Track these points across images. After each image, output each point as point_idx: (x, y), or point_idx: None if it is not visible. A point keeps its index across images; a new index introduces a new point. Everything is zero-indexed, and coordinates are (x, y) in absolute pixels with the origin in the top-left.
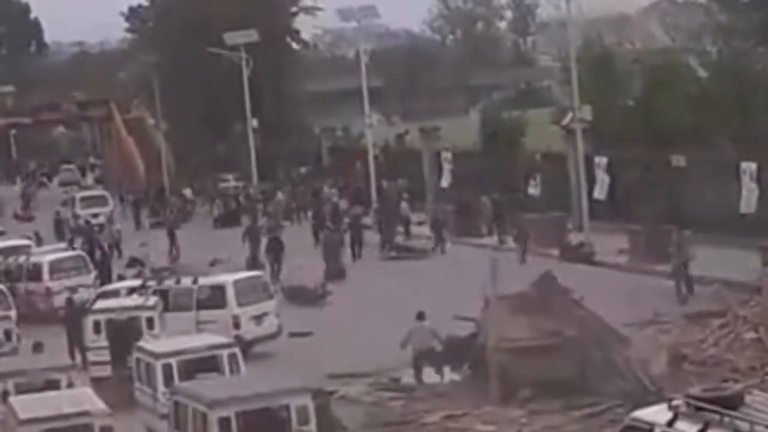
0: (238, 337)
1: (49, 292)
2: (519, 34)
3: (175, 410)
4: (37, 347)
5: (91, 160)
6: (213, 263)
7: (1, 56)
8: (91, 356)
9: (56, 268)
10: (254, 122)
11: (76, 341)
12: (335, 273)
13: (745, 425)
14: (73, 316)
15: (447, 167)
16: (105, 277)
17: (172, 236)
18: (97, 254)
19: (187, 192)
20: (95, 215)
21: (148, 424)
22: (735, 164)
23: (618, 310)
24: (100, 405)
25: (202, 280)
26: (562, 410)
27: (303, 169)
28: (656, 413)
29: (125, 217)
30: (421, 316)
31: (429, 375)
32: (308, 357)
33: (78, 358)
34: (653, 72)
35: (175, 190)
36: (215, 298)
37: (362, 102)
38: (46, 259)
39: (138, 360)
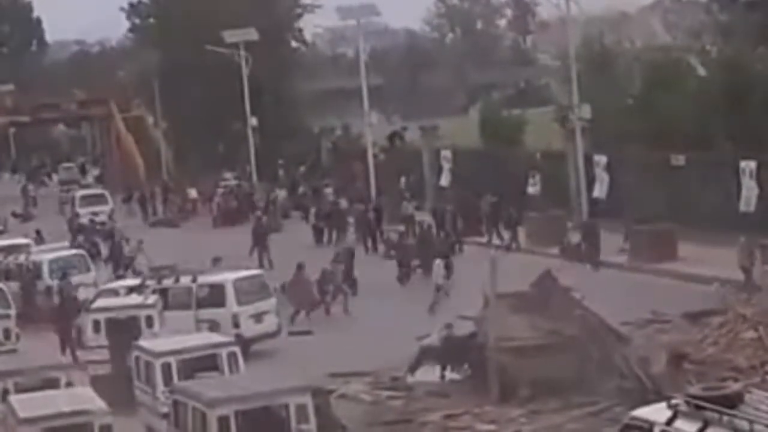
0: (237, 336)
1: (49, 291)
2: (519, 33)
3: (175, 409)
4: None
5: (82, 159)
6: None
7: (1, 55)
8: (90, 355)
9: (56, 267)
10: (254, 121)
11: (67, 339)
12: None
13: (744, 424)
14: (65, 314)
15: (446, 166)
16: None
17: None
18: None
19: (192, 192)
20: (95, 214)
21: (148, 423)
22: (734, 163)
23: (617, 309)
24: (99, 403)
25: (201, 279)
26: (561, 409)
27: (302, 168)
28: (656, 412)
29: (132, 215)
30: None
31: (425, 374)
32: (308, 356)
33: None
34: (653, 70)
35: (177, 189)
36: (215, 296)
37: (362, 101)
38: (46, 257)
39: (137, 359)
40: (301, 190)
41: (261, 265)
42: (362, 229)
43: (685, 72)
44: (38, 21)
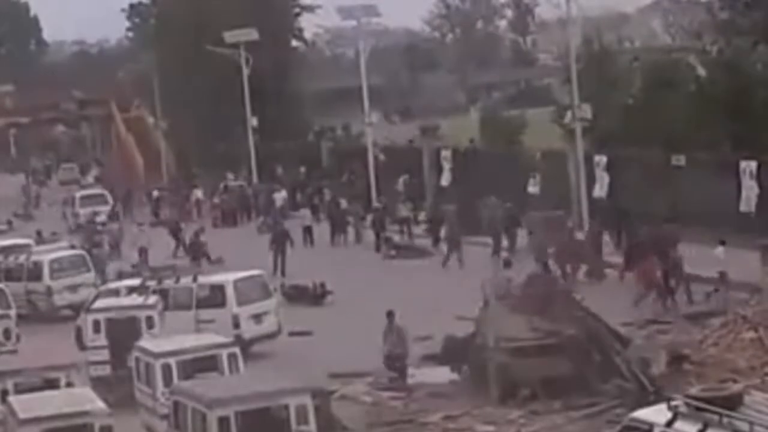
0: (237, 337)
1: (49, 292)
2: (519, 33)
3: (175, 410)
4: None
5: (86, 160)
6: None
7: (0, 55)
8: (90, 356)
9: (57, 267)
10: (254, 121)
11: None
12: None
13: (744, 425)
14: None
15: (447, 166)
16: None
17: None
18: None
19: (198, 192)
20: (95, 214)
21: (148, 423)
22: (734, 163)
23: (617, 309)
24: (99, 404)
25: (201, 279)
26: (561, 410)
27: (303, 168)
28: (655, 413)
29: (129, 215)
30: (390, 315)
31: (424, 375)
32: (308, 356)
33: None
34: (653, 70)
35: (178, 189)
36: (215, 297)
37: (362, 101)
38: (47, 258)
39: (137, 359)
40: (307, 190)
41: (275, 271)
42: (374, 229)
43: (685, 72)
44: (35, 20)
